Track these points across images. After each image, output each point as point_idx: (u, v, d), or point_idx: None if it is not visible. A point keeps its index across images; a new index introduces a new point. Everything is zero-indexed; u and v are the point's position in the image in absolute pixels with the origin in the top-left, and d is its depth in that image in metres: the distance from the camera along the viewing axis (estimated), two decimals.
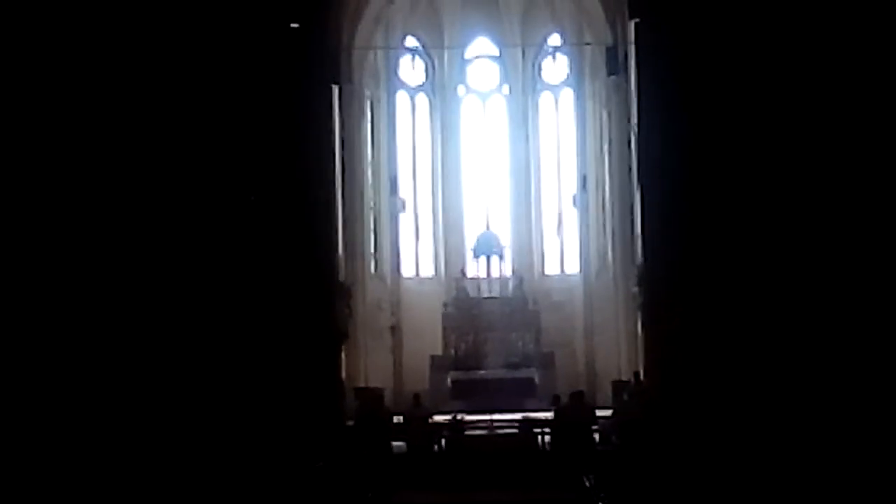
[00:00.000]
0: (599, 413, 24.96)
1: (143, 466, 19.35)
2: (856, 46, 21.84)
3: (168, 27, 22.52)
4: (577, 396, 23.64)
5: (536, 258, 39.10)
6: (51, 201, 21.12)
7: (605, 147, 35.56)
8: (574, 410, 23.05)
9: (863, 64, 21.80)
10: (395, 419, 24.61)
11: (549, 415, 24.23)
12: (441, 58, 39.40)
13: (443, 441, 24.35)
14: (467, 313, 36.39)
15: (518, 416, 26.73)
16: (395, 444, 23.90)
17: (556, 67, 39.02)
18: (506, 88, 39.77)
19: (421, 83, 39.65)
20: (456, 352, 35.82)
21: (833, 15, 21.99)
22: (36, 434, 20.25)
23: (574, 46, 37.75)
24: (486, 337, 36.00)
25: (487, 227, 38.80)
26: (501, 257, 37.72)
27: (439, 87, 39.58)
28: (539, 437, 24.53)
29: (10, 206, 20.77)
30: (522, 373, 34.30)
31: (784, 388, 21.48)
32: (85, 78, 21.56)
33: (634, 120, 26.33)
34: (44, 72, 21.22)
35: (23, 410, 20.26)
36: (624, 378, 29.45)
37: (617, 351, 33.32)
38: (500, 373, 34.42)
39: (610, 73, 33.06)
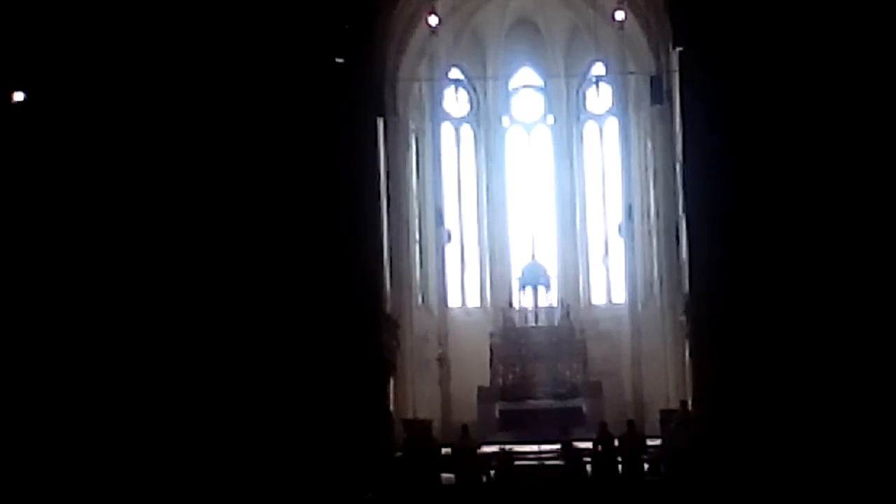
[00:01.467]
0: (649, 442, 24.88)
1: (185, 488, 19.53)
2: None
3: (218, 63, 22.75)
4: (629, 425, 23.68)
5: (583, 288, 39.04)
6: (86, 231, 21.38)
7: (651, 176, 35.54)
8: (625, 440, 23.07)
9: None
10: (444, 451, 24.62)
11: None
12: (485, 89, 39.52)
13: (491, 472, 24.33)
14: (514, 343, 36.37)
15: (567, 446, 26.65)
16: (443, 475, 23.91)
17: (600, 97, 39.01)
18: (550, 118, 39.82)
19: (465, 114, 39.77)
20: (503, 382, 35.78)
21: (877, 47, 21.95)
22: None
23: (618, 76, 37.76)
24: (534, 367, 35.95)
25: (533, 258, 38.79)
26: (548, 287, 37.69)
27: (484, 118, 39.69)
28: (588, 466, 24.47)
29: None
30: (570, 402, 34.23)
31: (833, 419, 21.35)
32: (135, 115, 21.83)
33: (679, 149, 26.33)
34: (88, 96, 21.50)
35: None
36: (672, 407, 29.32)
37: (664, 380, 33.19)
38: (548, 403, 34.36)
39: (654, 103, 32.99)
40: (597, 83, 38.66)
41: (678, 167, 26.86)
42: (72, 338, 21.60)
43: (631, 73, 36.52)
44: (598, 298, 39.07)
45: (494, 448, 26.42)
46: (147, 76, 22.10)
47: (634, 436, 23.90)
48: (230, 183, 22.71)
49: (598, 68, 38.57)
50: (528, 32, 39.06)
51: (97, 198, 22.07)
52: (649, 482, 23.69)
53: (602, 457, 23.66)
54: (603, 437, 24.21)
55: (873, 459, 20.33)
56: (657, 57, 32.11)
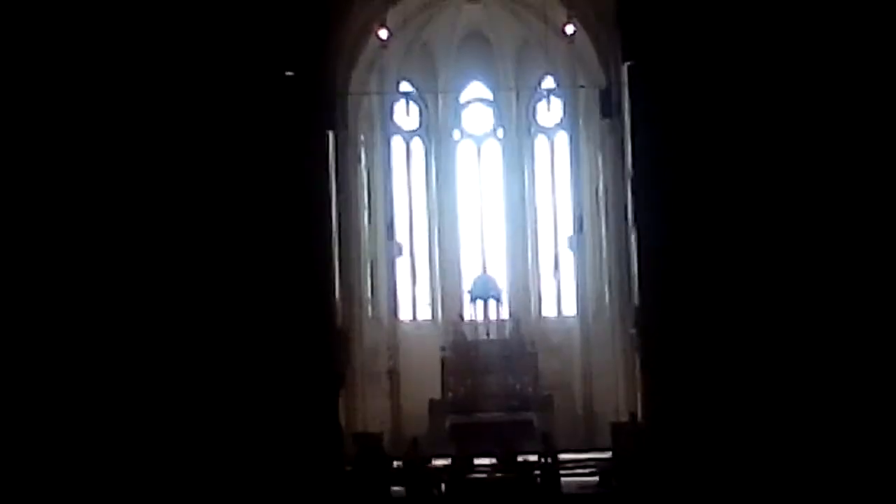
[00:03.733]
0: (599, 455, 24.91)
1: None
2: (851, 90, 21.98)
3: (162, 76, 22.62)
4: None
5: (533, 301, 39.14)
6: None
7: (601, 189, 35.68)
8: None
9: (856, 106, 21.92)
10: (395, 464, 24.55)
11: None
12: (435, 102, 39.59)
13: (442, 486, 24.29)
14: (465, 356, 36.40)
15: (518, 458, 26.66)
16: (394, 489, 23.84)
17: (550, 110, 39.13)
18: (500, 132, 39.92)
19: (416, 128, 39.81)
20: (454, 395, 35.80)
21: (828, 55, 22.12)
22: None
23: (568, 89, 37.94)
24: (485, 380, 36.00)
25: (484, 271, 38.87)
26: (498, 300, 37.74)
27: (434, 132, 39.74)
28: (538, 479, 24.47)
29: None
30: (521, 415, 34.29)
31: (783, 429, 21.46)
32: (88, 130, 21.69)
33: (629, 162, 26.40)
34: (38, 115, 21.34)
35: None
36: (622, 419, 29.40)
37: (615, 392, 33.27)
38: (499, 416, 34.40)
39: (604, 116, 33.15)
40: (547, 97, 38.78)
41: (628, 180, 26.95)
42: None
43: (581, 86, 36.71)
44: (549, 311, 39.18)
45: (446, 461, 26.41)
46: (85, 90, 21.92)
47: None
48: (174, 199, 22.54)
49: (549, 82, 38.73)
50: (479, 46, 39.15)
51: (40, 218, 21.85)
52: (600, 495, 23.75)
53: (545, 469, 23.73)
54: (547, 450, 24.30)
55: (826, 469, 20.44)
56: (607, 71, 32.25)
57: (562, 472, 26.63)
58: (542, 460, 24.64)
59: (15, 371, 20.71)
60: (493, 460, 27.23)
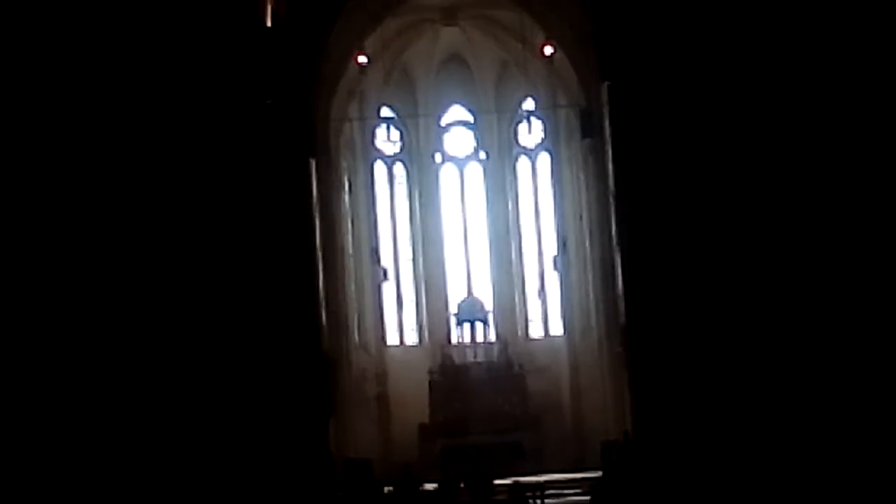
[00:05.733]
0: (589, 475, 24.88)
1: None
2: (830, 102, 22.08)
3: (142, 104, 22.62)
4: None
5: (520, 322, 39.15)
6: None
7: (584, 208, 35.74)
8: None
9: (836, 118, 22.02)
10: (386, 489, 24.50)
11: (540, 478, 24.21)
12: (416, 126, 39.68)
13: None
14: (453, 380, 36.40)
15: (508, 480, 26.62)
16: None
17: (531, 132, 39.18)
18: (482, 154, 39.99)
19: (397, 152, 39.88)
20: (444, 419, 35.78)
21: (805, 69, 22.22)
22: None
23: (548, 110, 38.05)
24: (474, 403, 35.99)
25: (470, 293, 38.88)
26: (485, 322, 37.76)
27: (416, 156, 39.82)
28: (531, 501, 24.45)
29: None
30: (511, 437, 34.30)
31: (776, 445, 21.48)
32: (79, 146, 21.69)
33: (611, 181, 26.49)
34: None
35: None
36: (612, 438, 29.39)
37: (604, 411, 33.27)
38: (489, 438, 34.37)
39: (584, 136, 33.21)
40: (528, 118, 38.89)
41: (611, 199, 27.02)
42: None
43: (561, 106, 36.85)
44: (536, 332, 39.20)
45: (437, 485, 26.35)
46: (68, 111, 21.91)
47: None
48: (157, 227, 22.51)
49: (529, 103, 38.84)
50: (458, 69, 39.27)
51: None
52: None
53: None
54: None
55: (821, 486, 20.44)
56: (587, 91, 32.34)
57: (553, 492, 26.69)
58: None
59: (10, 372, 20.63)
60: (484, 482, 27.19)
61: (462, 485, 24.86)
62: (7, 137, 21.20)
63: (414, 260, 39.63)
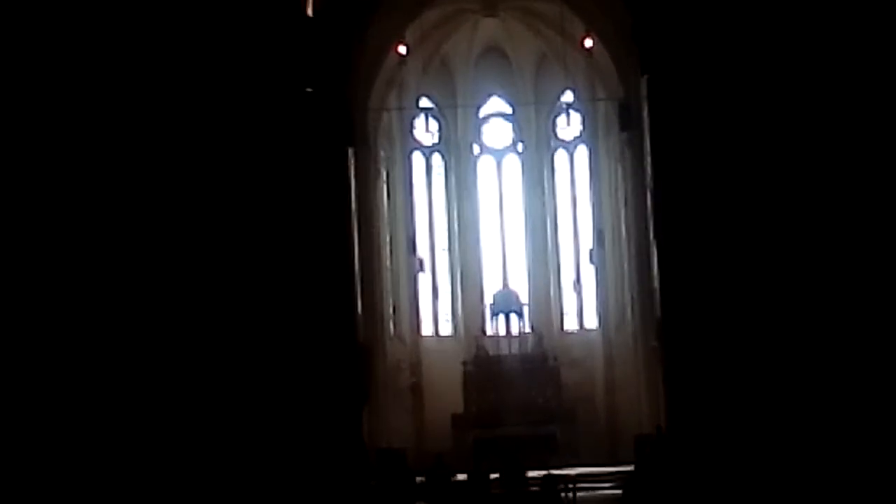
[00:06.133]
0: (622, 469, 24.83)
1: None
2: (872, 92, 21.94)
3: (182, 92, 22.71)
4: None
5: (555, 314, 39.12)
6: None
7: (621, 202, 35.69)
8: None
9: (880, 107, 21.89)
10: (418, 479, 24.56)
11: (573, 471, 24.18)
12: (455, 117, 39.67)
13: (467, 500, 24.24)
14: (487, 371, 36.42)
15: (541, 473, 26.62)
16: None
17: (569, 124, 39.18)
18: (520, 146, 39.96)
19: (436, 143, 39.89)
20: (477, 410, 35.81)
21: (846, 60, 22.09)
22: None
23: (587, 103, 38.00)
24: (507, 394, 36.01)
25: (505, 285, 38.88)
26: (520, 315, 37.73)
27: (454, 147, 39.81)
28: (563, 493, 24.42)
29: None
30: (544, 429, 34.28)
31: (809, 441, 21.40)
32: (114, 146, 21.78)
33: (649, 174, 26.41)
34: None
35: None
36: (646, 432, 29.36)
37: (638, 405, 33.25)
38: (522, 430, 34.37)
39: (623, 129, 33.18)
40: (566, 110, 38.84)
41: (648, 193, 26.94)
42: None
43: (600, 100, 36.78)
44: (571, 325, 39.17)
45: (470, 476, 26.37)
46: (108, 101, 22.00)
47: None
48: (196, 217, 22.61)
49: (568, 96, 38.77)
50: (497, 61, 39.24)
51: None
52: None
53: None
54: None
55: (853, 480, 20.35)
56: (626, 83, 32.29)
57: (585, 485, 26.67)
58: None
59: (17, 371, 20.78)
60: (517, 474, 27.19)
61: (493, 476, 24.87)
62: (31, 128, 21.33)
63: (450, 251, 39.65)
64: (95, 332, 21.21)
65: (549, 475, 25.16)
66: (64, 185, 21.33)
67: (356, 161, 30.93)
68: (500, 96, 40.00)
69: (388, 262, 37.16)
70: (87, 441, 20.64)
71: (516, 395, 36.04)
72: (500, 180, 40.30)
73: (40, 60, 21.31)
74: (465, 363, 36.72)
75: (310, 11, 26.32)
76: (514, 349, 37.15)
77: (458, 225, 39.56)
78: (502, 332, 37.56)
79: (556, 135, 39.77)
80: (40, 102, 21.24)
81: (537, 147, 39.73)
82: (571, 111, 38.88)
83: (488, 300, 38.42)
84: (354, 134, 31.18)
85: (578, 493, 26.38)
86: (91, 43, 21.80)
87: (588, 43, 33.57)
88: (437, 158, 39.93)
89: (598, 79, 36.29)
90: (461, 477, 25.93)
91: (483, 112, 40.21)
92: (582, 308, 39.05)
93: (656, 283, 26.24)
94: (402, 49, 33.72)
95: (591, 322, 38.62)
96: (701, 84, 23.43)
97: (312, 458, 23.71)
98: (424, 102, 39.37)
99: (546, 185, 39.66)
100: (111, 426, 20.95)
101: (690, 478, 21.76)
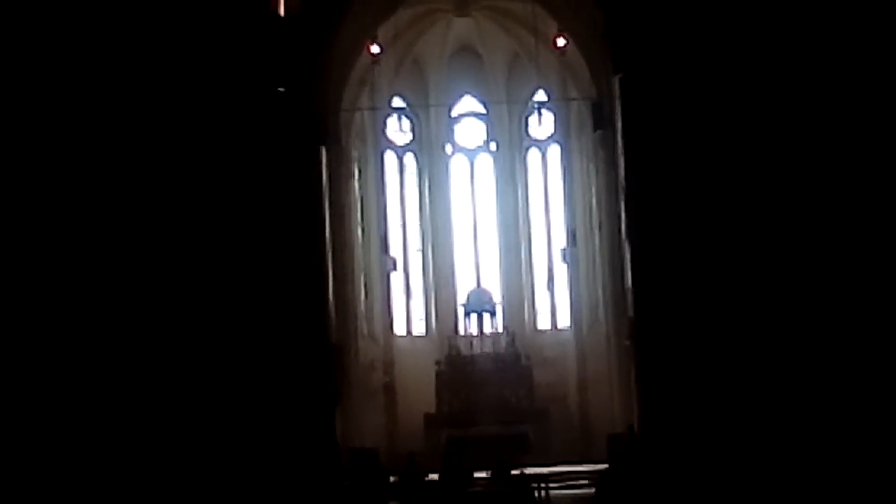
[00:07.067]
0: (595, 467, 24.86)
1: None
2: (841, 94, 22.04)
3: (154, 91, 22.63)
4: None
5: (528, 314, 39.14)
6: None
7: (594, 202, 35.72)
8: None
9: (847, 108, 21.98)
10: (391, 478, 24.53)
11: (545, 470, 24.19)
12: (427, 117, 39.64)
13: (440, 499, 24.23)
14: (460, 371, 36.42)
15: (514, 472, 26.63)
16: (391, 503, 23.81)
17: (542, 124, 39.18)
18: (493, 146, 39.96)
19: (408, 142, 39.85)
20: (450, 409, 35.81)
21: (818, 61, 22.18)
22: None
23: (560, 102, 38.00)
24: (480, 393, 36.01)
25: (478, 284, 38.88)
26: (493, 314, 37.76)
27: (426, 146, 39.79)
28: (536, 492, 24.45)
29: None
30: (516, 429, 34.31)
31: (781, 439, 21.47)
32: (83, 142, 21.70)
33: (622, 173, 26.46)
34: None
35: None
36: (618, 431, 29.39)
37: (611, 404, 33.28)
38: (495, 429, 34.38)
39: (596, 128, 33.19)
40: (539, 110, 38.85)
41: (621, 192, 27.00)
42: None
43: (573, 99, 36.78)
44: (544, 324, 39.18)
45: (442, 475, 26.36)
46: (78, 101, 21.91)
47: None
48: (166, 215, 22.54)
49: (540, 95, 38.78)
50: (470, 60, 39.24)
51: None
52: None
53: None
54: None
55: (826, 479, 20.43)
56: (598, 83, 32.30)
57: (558, 484, 26.68)
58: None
59: (14, 371, 20.69)
60: (489, 474, 27.23)
61: (469, 475, 24.90)
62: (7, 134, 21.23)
63: (423, 250, 39.62)
64: (62, 333, 21.16)
65: (523, 474, 25.24)
66: (24, 186, 21.27)
67: (329, 160, 30.88)
68: (472, 95, 39.99)
69: (360, 262, 37.10)
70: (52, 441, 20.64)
71: (489, 394, 36.05)
72: (472, 179, 40.30)
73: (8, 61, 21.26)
74: (437, 362, 36.70)
75: (282, 11, 26.29)
76: (487, 348, 37.16)
77: (431, 224, 39.54)
78: (475, 331, 37.57)
79: (528, 134, 39.77)
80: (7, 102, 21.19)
81: (510, 146, 39.74)
82: (544, 110, 38.88)
83: (461, 299, 38.40)
84: (327, 133, 31.13)
85: (551, 492, 26.40)
86: (59, 46, 21.73)
87: (561, 42, 33.59)
88: (409, 158, 39.89)
89: (571, 78, 36.32)
90: (434, 476, 25.94)
91: (456, 111, 40.20)
92: (555, 307, 39.07)
93: (629, 283, 26.29)
94: (375, 48, 33.66)
95: (564, 321, 38.65)
96: (673, 83, 23.50)
97: (285, 457, 23.66)
98: (397, 102, 39.34)
99: (519, 184, 39.67)
100: (81, 427, 20.89)
101: (663, 476, 21.80)
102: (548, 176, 39.57)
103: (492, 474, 24.76)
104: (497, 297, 38.43)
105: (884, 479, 19.92)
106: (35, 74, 21.44)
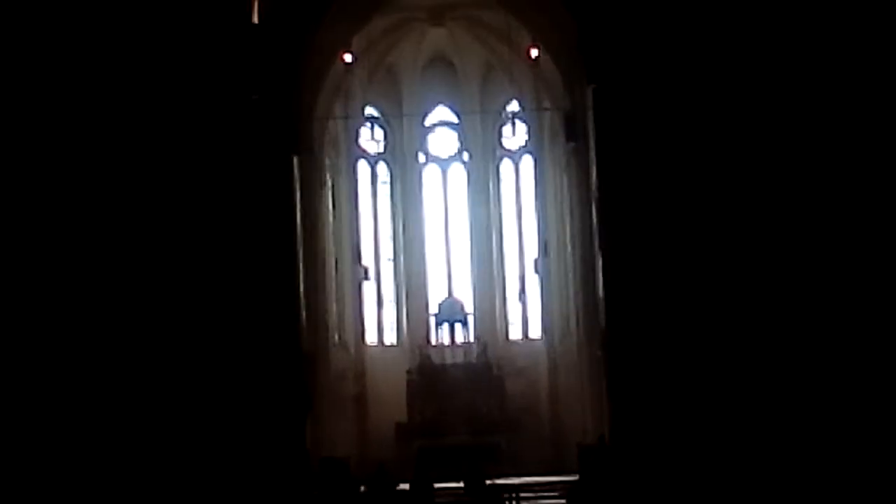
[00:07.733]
0: (566, 478, 24.85)
1: None
2: (814, 102, 22.16)
3: (127, 98, 22.58)
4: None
5: (500, 324, 39.14)
6: None
7: (566, 212, 35.75)
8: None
9: (820, 119, 22.11)
10: (362, 488, 24.46)
11: (517, 480, 24.17)
12: (400, 126, 39.63)
13: None
14: (432, 380, 36.38)
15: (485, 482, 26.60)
16: None
17: (515, 134, 39.25)
18: (466, 155, 39.98)
19: (381, 152, 39.84)
20: (421, 419, 35.77)
21: (789, 72, 22.30)
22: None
23: (533, 113, 38.05)
24: (451, 403, 35.99)
25: (450, 294, 38.86)
26: (465, 324, 37.75)
27: (399, 156, 39.79)
28: (507, 503, 24.42)
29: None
30: (488, 439, 34.28)
31: (753, 450, 21.55)
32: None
33: (594, 184, 26.51)
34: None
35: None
36: (590, 441, 29.41)
37: (582, 415, 33.28)
38: (466, 439, 34.38)
39: (569, 139, 33.22)
40: (512, 120, 38.91)
41: (593, 203, 27.05)
42: None
43: (546, 109, 36.83)
44: (516, 334, 39.19)
45: (412, 485, 26.31)
46: (47, 110, 21.86)
47: None
48: (137, 223, 22.48)
49: (513, 105, 38.83)
50: (443, 70, 39.25)
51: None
52: None
53: None
54: None
55: (796, 488, 20.50)
56: (571, 94, 32.35)
57: (529, 494, 26.65)
58: None
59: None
60: (460, 483, 27.20)
61: (437, 484, 24.87)
62: None
63: (395, 260, 39.60)
64: (33, 337, 21.11)
65: (494, 484, 25.21)
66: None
67: (301, 169, 30.79)
68: (445, 105, 39.99)
69: (332, 271, 37.01)
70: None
71: (460, 404, 36.04)
72: (445, 189, 40.29)
73: None
74: (409, 372, 36.66)
75: (255, 18, 26.23)
76: (459, 358, 37.14)
77: (404, 234, 39.52)
78: (447, 341, 37.55)
79: (501, 144, 39.81)
80: None
81: (483, 156, 39.77)
82: (517, 121, 38.96)
83: (433, 309, 38.39)
84: (300, 142, 31.04)
85: (522, 503, 26.40)
86: (25, 56, 21.69)
87: (534, 53, 33.62)
88: (382, 167, 39.87)
89: (544, 89, 36.35)
90: (404, 486, 25.89)
91: (429, 121, 40.19)
92: (526, 318, 39.08)
93: (601, 294, 26.35)
94: (349, 57, 33.63)
95: (536, 332, 38.66)
96: (646, 95, 23.59)
97: (255, 465, 23.59)
98: (370, 111, 39.31)
99: (491, 194, 39.70)
100: (51, 431, 20.84)
101: (633, 487, 21.83)
102: (520, 186, 39.60)
103: (464, 485, 24.72)
104: (469, 307, 38.42)
105: (859, 486, 20.02)
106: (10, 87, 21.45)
